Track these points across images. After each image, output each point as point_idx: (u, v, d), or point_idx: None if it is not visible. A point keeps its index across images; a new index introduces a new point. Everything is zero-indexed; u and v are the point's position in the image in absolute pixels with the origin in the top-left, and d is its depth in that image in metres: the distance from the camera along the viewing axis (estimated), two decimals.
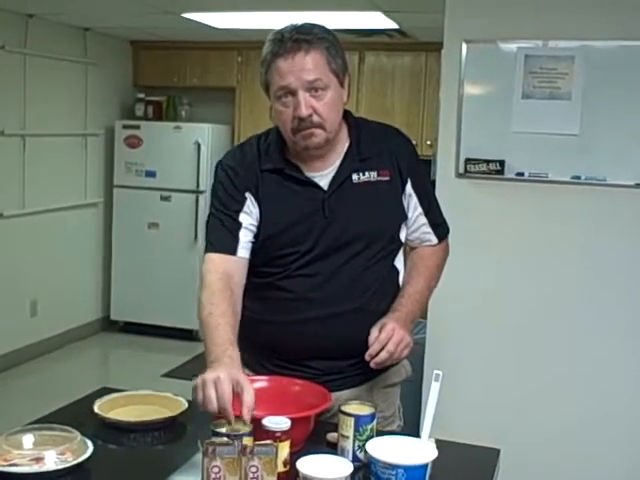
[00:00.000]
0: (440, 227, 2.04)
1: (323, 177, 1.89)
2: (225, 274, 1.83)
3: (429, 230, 2.00)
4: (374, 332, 1.77)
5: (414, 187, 1.95)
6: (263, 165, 1.89)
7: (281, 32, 1.80)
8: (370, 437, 1.58)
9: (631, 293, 3.16)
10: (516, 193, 3.24)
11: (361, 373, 1.92)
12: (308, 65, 1.77)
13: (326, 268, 1.87)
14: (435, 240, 2.02)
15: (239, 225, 1.87)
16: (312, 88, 1.78)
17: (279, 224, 1.87)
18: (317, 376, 1.88)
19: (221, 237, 1.88)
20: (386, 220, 1.92)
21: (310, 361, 1.90)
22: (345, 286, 1.87)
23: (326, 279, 1.87)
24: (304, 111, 1.77)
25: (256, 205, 1.88)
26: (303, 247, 1.86)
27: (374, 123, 2.02)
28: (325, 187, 1.88)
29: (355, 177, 1.89)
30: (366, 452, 1.53)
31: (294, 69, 1.76)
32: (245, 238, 1.87)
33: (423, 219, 1.99)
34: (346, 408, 1.62)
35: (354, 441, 1.59)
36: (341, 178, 1.88)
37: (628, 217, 3.14)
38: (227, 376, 1.54)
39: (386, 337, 1.75)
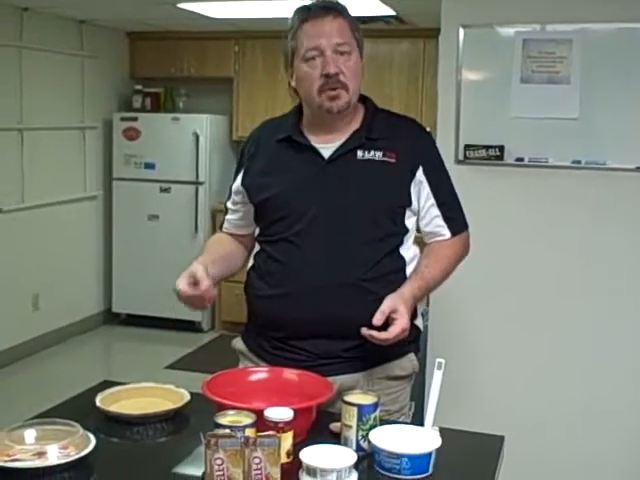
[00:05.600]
0: (454, 221, 2.00)
1: (328, 149, 1.93)
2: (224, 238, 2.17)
3: (442, 223, 1.98)
4: (383, 313, 1.76)
5: (427, 174, 1.95)
6: (278, 136, 1.98)
7: (307, 4, 1.92)
8: (373, 426, 1.58)
9: (633, 277, 3.16)
10: (516, 178, 3.23)
11: (358, 359, 1.91)
12: (336, 29, 1.87)
13: (321, 237, 1.89)
14: (448, 234, 1.98)
15: (227, 209, 2.15)
16: (339, 51, 1.87)
17: (275, 186, 1.94)
18: (312, 359, 1.89)
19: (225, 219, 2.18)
20: (385, 196, 1.91)
21: (305, 341, 1.90)
22: (340, 258, 1.88)
23: (321, 249, 1.88)
24: (333, 68, 1.85)
25: (253, 169, 2.00)
26: (297, 211, 1.91)
27: (395, 114, 2.06)
28: (326, 156, 1.92)
29: (360, 153, 1.92)
30: (370, 441, 1.53)
31: (323, 31, 1.86)
32: (233, 216, 2.13)
33: (436, 210, 1.97)
34: (349, 397, 1.61)
35: (357, 430, 1.58)
36: (344, 150, 1.92)
37: (629, 201, 3.12)
38: (185, 272, 1.84)
39: (393, 335, 1.75)
